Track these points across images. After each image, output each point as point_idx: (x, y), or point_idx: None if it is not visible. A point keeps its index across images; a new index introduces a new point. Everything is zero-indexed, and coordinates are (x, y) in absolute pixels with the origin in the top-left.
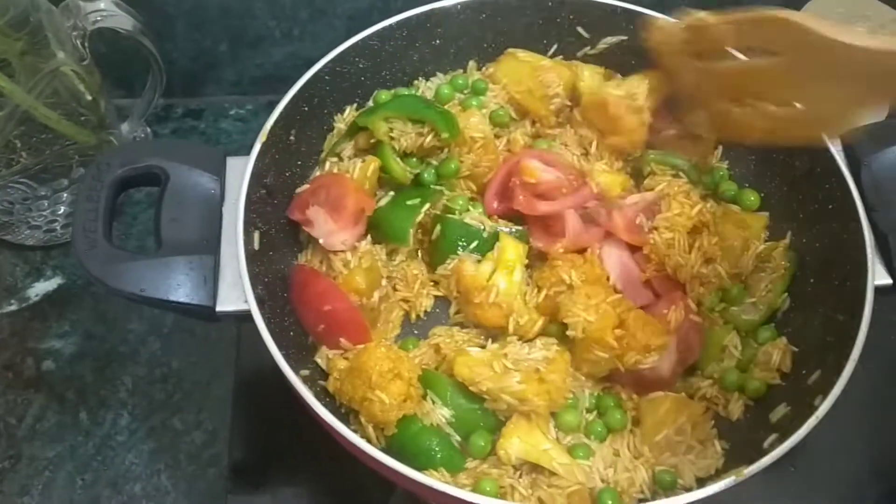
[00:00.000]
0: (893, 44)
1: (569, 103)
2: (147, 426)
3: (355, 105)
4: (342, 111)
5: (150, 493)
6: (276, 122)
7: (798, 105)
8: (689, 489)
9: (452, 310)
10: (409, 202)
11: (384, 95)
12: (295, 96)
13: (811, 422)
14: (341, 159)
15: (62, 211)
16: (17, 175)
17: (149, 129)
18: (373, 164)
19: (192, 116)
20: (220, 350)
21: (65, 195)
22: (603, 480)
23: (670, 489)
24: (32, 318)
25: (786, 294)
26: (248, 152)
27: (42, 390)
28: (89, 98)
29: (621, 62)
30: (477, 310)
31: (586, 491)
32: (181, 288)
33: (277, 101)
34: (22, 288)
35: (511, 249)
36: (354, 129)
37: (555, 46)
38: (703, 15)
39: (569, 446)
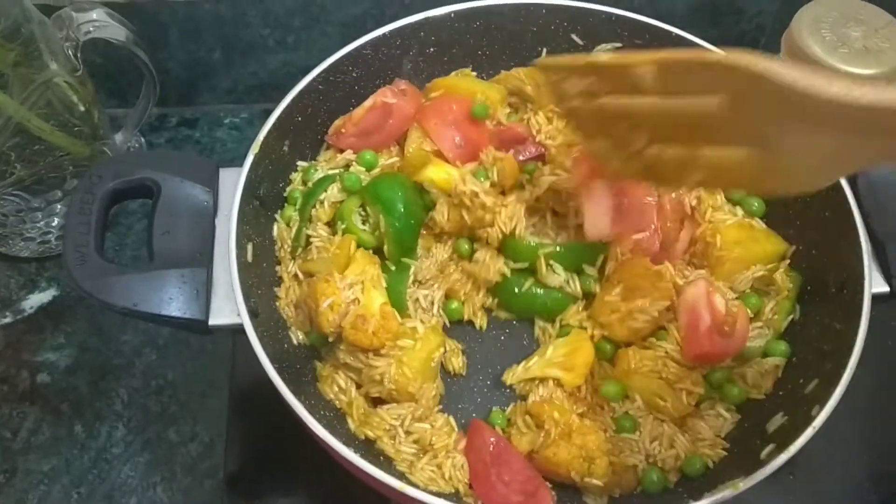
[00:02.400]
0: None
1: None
2: (142, 438)
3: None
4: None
5: None
6: (269, 132)
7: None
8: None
9: None
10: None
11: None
12: (288, 106)
13: (808, 432)
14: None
15: (56, 223)
16: (11, 187)
17: (143, 139)
18: (349, 241)
19: (187, 125)
20: (215, 361)
21: (59, 206)
22: (648, 455)
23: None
24: (27, 330)
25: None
26: (243, 162)
27: (37, 403)
28: (82, 109)
29: None
30: None
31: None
32: (173, 302)
33: (272, 109)
34: (16, 300)
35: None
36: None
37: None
38: (606, 58)
39: (615, 417)
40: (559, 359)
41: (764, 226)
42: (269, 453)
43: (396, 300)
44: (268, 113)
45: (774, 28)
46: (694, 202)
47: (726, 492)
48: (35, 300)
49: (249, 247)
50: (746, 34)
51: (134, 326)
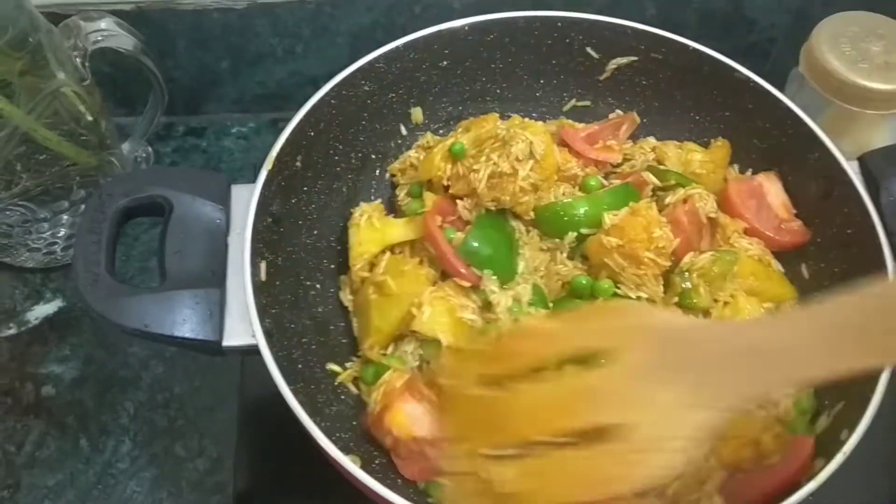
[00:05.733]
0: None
1: None
2: (149, 453)
3: None
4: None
5: None
6: (282, 149)
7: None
8: None
9: None
10: None
11: None
12: (300, 122)
13: (839, 458)
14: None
15: (62, 233)
16: (17, 197)
17: (150, 149)
18: None
19: (194, 135)
20: (223, 375)
21: (65, 217)
22: None
23: None
24: (32, 341)
25: None
26: (251, 172)
27: (42, 416)
28: (90, 119)
29: (632, 84)
30: None
31: None
32: (186, 323)
33: (280, 119)
34: (21, 311)
35: None
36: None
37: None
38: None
39: None
40: None
41: (780, 268)
42: (279, 470)
43: None
44: (275, 122)
45: (786, 41)
46: (713, 214)
47: None
48: (40, 311)
49: (263, 265)
50: (757, 45)
51: (140, 339)
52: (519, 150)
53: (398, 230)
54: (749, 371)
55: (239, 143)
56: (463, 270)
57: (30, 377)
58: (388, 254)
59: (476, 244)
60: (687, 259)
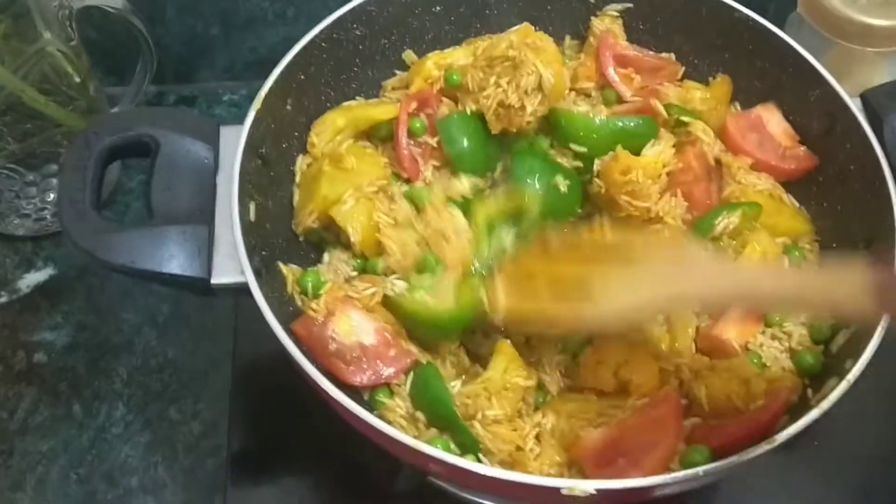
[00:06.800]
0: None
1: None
2: (143, 418)
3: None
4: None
5: (147, 485)
6: (271, 90)
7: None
8: None
9: None
10: None
11: None
12: (290, 63)
13: (843, 386)
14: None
15: (52, 198)
16: (4, 160)
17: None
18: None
19: (185, 103)
20: (216, 339)
21: (54, 181)
22: None
23: None
24: (23, 310)
25: None
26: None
27: (34, 383)
28: (77, 80)
29: (629, 29)
30: None
31: None
32: (174, 259)
33: None
34: (12, 280)
35: None
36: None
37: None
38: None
39: None
40: None
41: (794, 202)
42: (274, 431)
43: None
44: None
45: None
46: (719, 155)
47: (762, 446)
48: (31, 279)
49: (252, 206)
50: None
51: (133, 305)
52: (529, 83)
53: (369, 110)
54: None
55: (231, 111)
56: (407, 164)
57: (21, 345)
58: (352, 140)
59: (457, 130)
60: (720, 223)
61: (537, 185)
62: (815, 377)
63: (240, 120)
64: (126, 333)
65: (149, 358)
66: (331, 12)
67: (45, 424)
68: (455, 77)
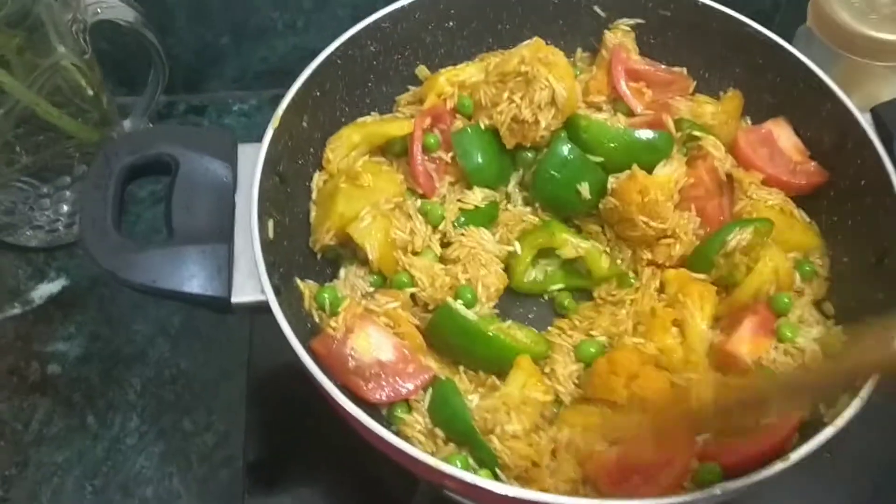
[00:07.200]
0: None
1: None
2: (157, 428)
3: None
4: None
5: (162, 496)
6: (288, 107)
7: None
8: None
9: None
10: None
11: None
12: (307, 81)
13: (857, 403)
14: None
15: (65, 210)
16: (18, 173)
17: (151, 126)
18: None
19: (195, 113)
20: (229, 350)
21: (67, 193)
22: None
23: None
24: (36, 321)
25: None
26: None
27: (48, 394)
28: (91, 93)
29: (640, 43)
30: None
31: None
32: (195, 278)
33: (282, 96)
34: (25, 290)
35: None
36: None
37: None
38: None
39: None
40: None
41: (804, 216)
42: (289, 441)
43: None
44: (277, 99)
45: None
46: (731, 170)
47: (777, 465)
48: (44, 290)
49: (270, 223)
50: (762, 11)
51: (145, 315)
52: (542, 98)
53: (384, 126)
54: None
55: (241, 120)
56: (421, 179)
57: (35, 356)
58: (367, 156)
59: (471, 144)
60: (732, 239)
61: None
62: None
63: (249, 129)
64: (139, 344)
65: (162, 369)
66: (340, 22)
67: (59, 435)
68: (467, 103)
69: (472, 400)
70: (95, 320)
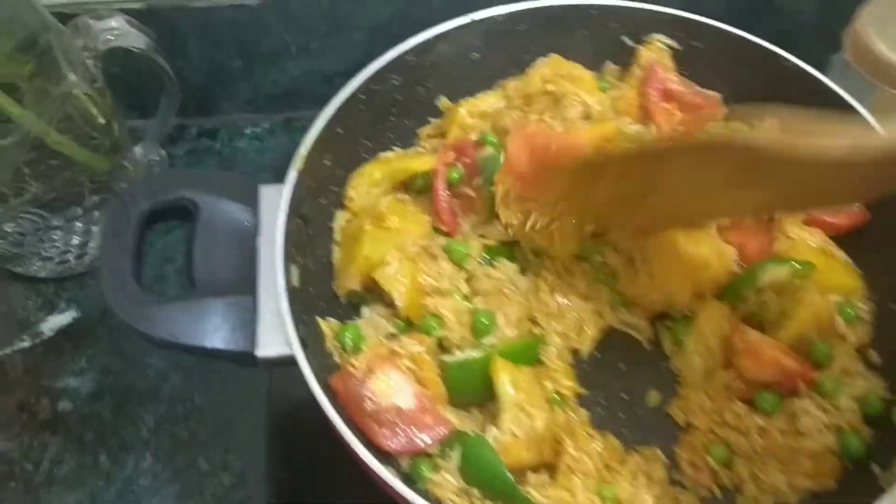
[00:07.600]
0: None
1: None
2: (171, 468)
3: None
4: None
5: None
6: (313, 147)
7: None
8: None
9: None
10: None
11: None
12: (332, 119)
13: None
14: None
15: (75, 241)
16: (28, 204)
17: (163, 152)
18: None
19: (207, 136)
20: (244, 385)
21: (78, 224)
22: None
23: None
24: (46, 354)
25: None
26: (268, 173)
27: (59, 432)
28: (102, 121)
29: None
30: None
31: None
32: (218, 333)
33: (294, 119)
34: (35, 322)
35: None
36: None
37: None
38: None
39: None
40: None
41: (844, 256)
42: (312, 485)
43: None
44: (290, 122)
45: (814, 29)
46: None
47: None
48: (54, 322)
49: (295, 270)
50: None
51: (158, 349)
52: (575, 114)
53: (406, 161)
54: None
55: (253, 143)
56: (445, 217)
57: (45, 391)
58: (391, 196)
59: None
60: (765, 276)
61: None
62: (858, 462)
63: (262, 153)
64: (152, 379)
65: (175, 404)
66: (355, 46)
67: (71, 476)
68: (491, 139)
69: (490, 431)
70: (107, 352)
